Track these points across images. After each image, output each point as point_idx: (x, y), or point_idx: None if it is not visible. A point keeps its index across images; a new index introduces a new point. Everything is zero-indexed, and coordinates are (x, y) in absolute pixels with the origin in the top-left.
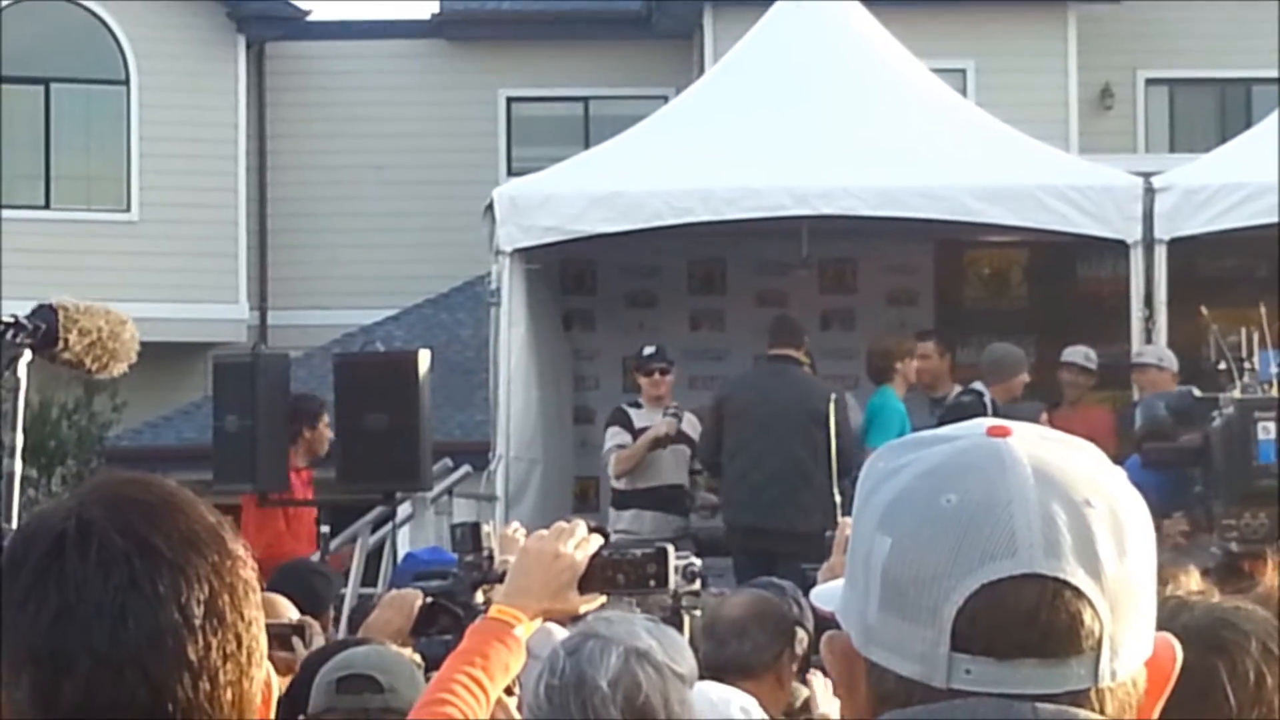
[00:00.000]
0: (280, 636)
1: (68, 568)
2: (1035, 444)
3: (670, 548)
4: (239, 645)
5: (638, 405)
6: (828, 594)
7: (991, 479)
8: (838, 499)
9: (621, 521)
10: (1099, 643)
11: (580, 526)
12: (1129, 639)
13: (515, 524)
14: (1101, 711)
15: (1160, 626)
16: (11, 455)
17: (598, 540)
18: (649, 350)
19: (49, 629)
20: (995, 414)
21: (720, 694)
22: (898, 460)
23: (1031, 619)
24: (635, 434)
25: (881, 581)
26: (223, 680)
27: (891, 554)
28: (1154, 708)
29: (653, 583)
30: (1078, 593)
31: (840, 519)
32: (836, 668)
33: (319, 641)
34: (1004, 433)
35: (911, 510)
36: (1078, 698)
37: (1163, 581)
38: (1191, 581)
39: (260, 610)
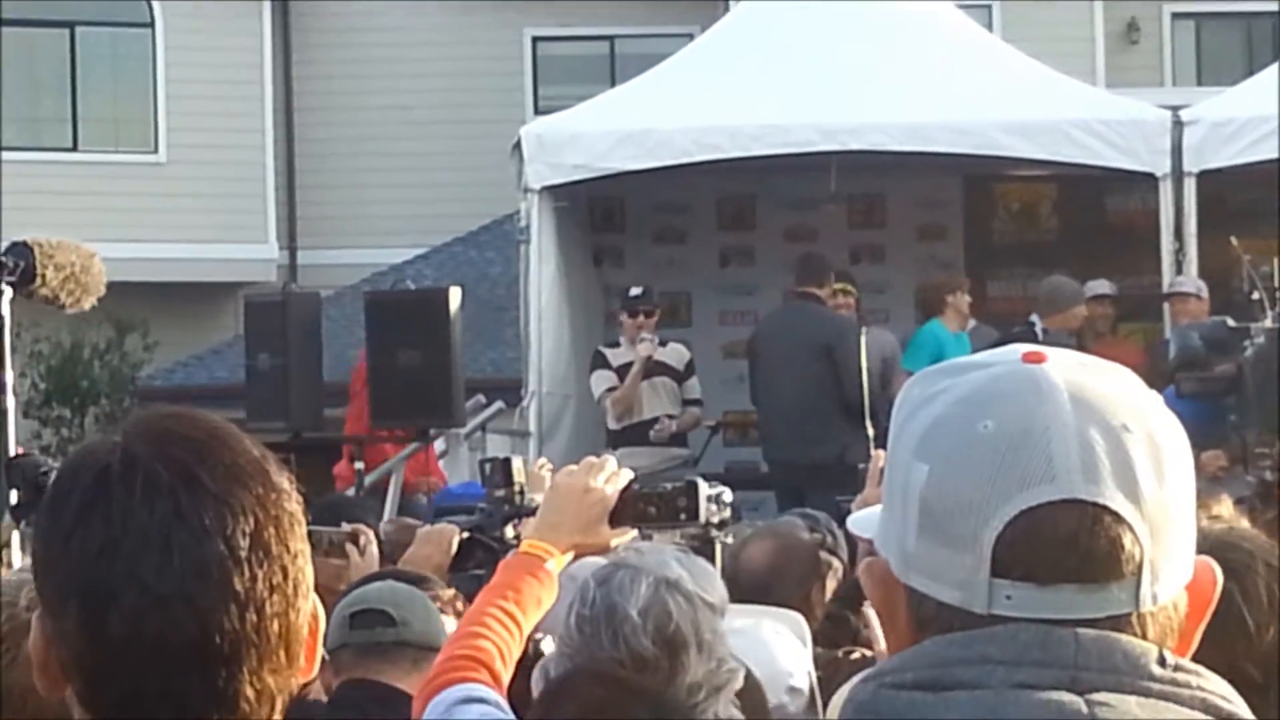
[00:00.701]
0: (335, 544)
1: (114, 501)
2: (1072, 369)
3: (701, 480)
4: (285, 577)
5: (614, 345)
6: (865, 520)
7: (1028, 405)
8: (870, 431)
9: (625, 461)
10: (1139, 567)
11: (610, 461)
12: (1169, 563)
13: (543, 460)
14: (1144, 636)
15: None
16: (2, 392)
17: (628, 475)
18: (636, 291)
19: (95, 561)
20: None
21: (747, 620)
22: (934, 387)
23: (1071, 544)
24: (617, 371)
25: (920, 508)
26: (269, 612)
27: (929, 481)
28: (1195, 631)
29: (683, 516)
30: (1117, 517)
31: (874, 451)
32: (876, 594)
33: (373, 550)
34: (1040, 359)
35: (948, 437)
36: (1119, 622)
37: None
38: (1224, 510)
39: (305, 543)
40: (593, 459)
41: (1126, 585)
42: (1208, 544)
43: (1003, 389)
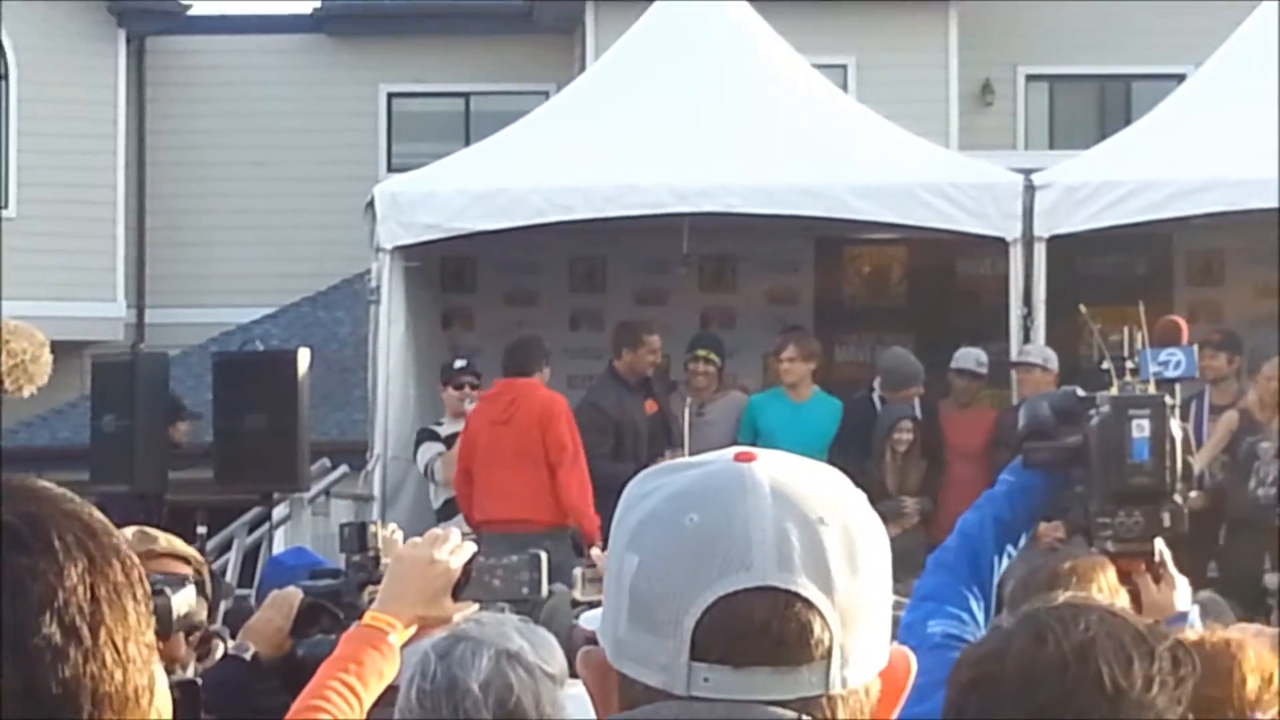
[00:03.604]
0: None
1: None
2: (778, 468)
3: (544, 554)
4: (116, 646)
5: (439, 423)
6: (595, 617)
7: (732, 499)
8: None
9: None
10: (829, 651)
11: (454, 533)
12: (860, 649)
13: (394, 525)
14: (833, 716)
15: (1019, 614)
16: None
17: (471, 548)
18: (460, 363)
19: None
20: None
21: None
22: (651, 485)
23: (764, 629)
24: (445, 441)
25: (630, 597)
26: (100, 679)
27: (639, 571)
28: (890, 713)
29: (526, 590)
30: (808, 604)
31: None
32: (592, 681)
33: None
34: (749, 458)
35: (657, 529)
36: (809, 704)
37: (1085, 580)
38: (1107, 578)
39: (142, 611)
40: (437, 531)
41: (817, 669)
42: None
43: (711, 485)
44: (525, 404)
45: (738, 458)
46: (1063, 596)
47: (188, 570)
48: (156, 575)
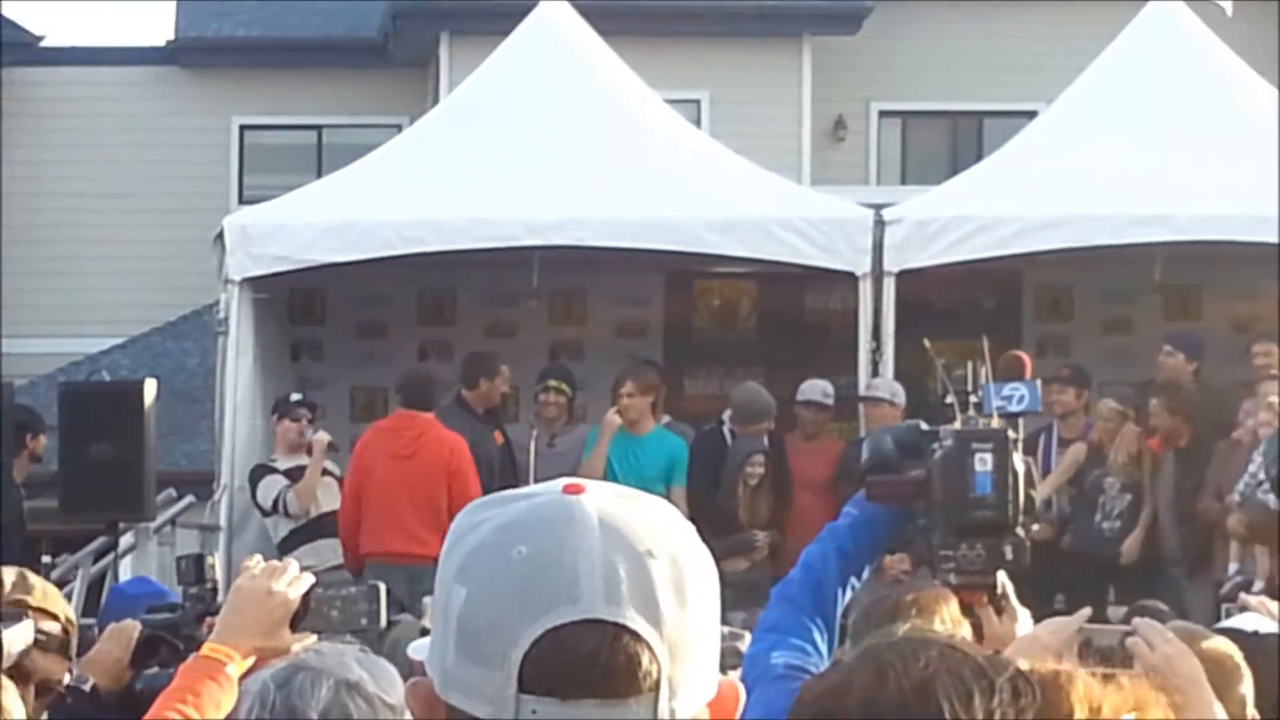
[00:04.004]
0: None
1: None
2: (607, 500)
3: (382, 586)
4: None
5: (273, 460)
6: (423, 647)
7: (560, 532)
8: None
9: (306, 558)
10: (657, 684)
11: (292, 565)
12: (688, 681)
13: (257, 556)
14: None
15: (859, 649)
16: None
17: (310, 579)
18: (297, 396)
19: None
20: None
21: None
22: (479, 516)
23: (592, 661)
24: (286, 475)
25: (458, 629)
26: None
27: (466, 603)
28: None
29: (364, 620)
30: (636, 636)
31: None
32: (419, 712)
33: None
34: (578, 490)
35: (485, 562)
36: None
37: (928, 613)
38: (950, 610)
39: None
40: (275, 563)
41: (645, 701)
42: (885, 643)
43: (539, 517)
44: (431, 444)
45: (566, 490)
46: (904, 629)
47: (54, 627)
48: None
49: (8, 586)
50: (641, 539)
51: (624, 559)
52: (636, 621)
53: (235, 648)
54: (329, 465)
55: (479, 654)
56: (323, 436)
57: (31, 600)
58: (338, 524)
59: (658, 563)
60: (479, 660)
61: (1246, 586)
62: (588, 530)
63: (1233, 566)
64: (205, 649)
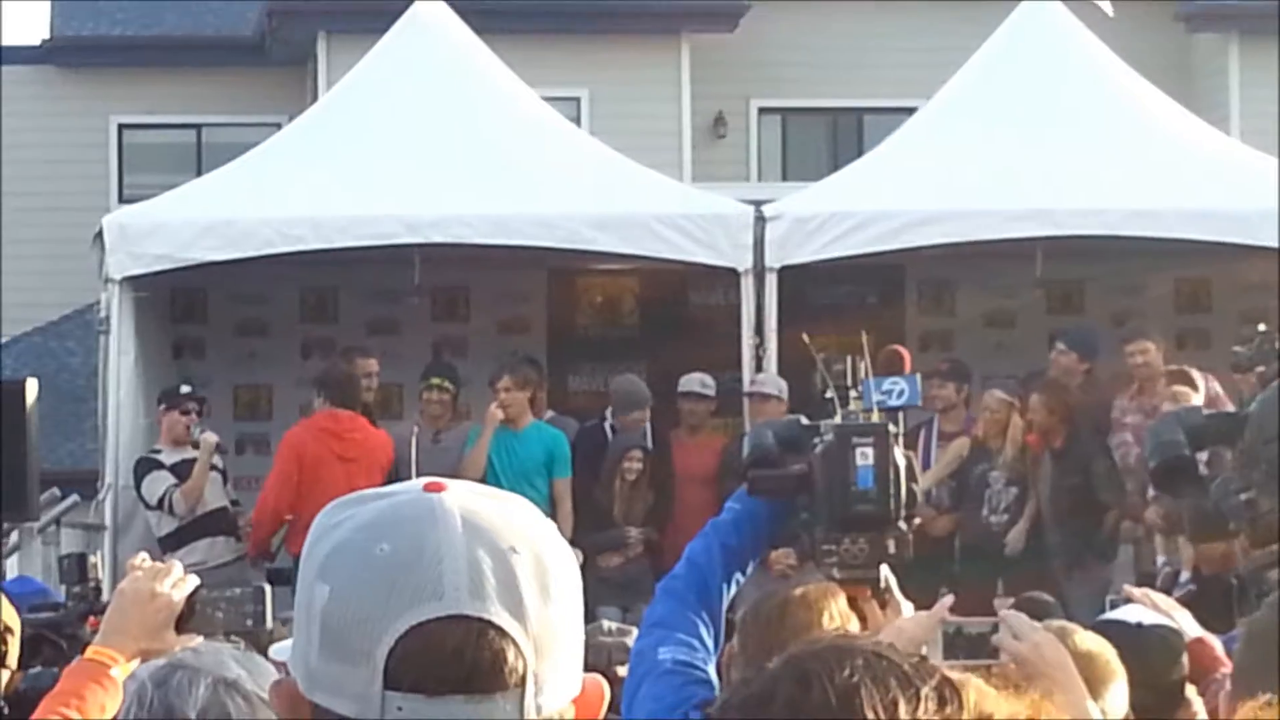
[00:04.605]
0: None
1: None
2: (468, 497)
3: (268, 587)
4: None
5: (157, 451)
6: (285, 648)
7: (423, 529)
8: None
9: (193, 555)
10: (523, 679)
11: (176, 566)
12: (555, 677)
13: (143, 554)
14: None
15: (781, 656)
16: None
17: (194, 580)
18: (187, 389)
19: None
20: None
21: None
22: (340, 515)
23: (457, 657)
24: (172, 470)
25: (321, 627)
26: None
27: (330, 601)
28: None
29: (250, 622)
30: (501, 632)
31: None
32: (284, 712)
33: None
34: (439, 488)
35: (348, 559)
36: None
37: (816, 608)
38: (838, 605)
39: None
40: (159, 564)
41: (511, 696)
42: (802, 650)
43: (401, 515)
44: (374, 447)
45: (427, 488)
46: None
47: None
48: None
49: None
50: (504, 535)
51: (487, 555)
52: (501, 617)
53: (120, 650)
54: (215, 461)
55: (344, 652)
56: (210, 437)
57: None
58: (227, 520)
59: (521, 559)
60: (344, 658)
61: (1175, 576)
62: (450, 527)
63: (1160, 559)
64: (90, 651)
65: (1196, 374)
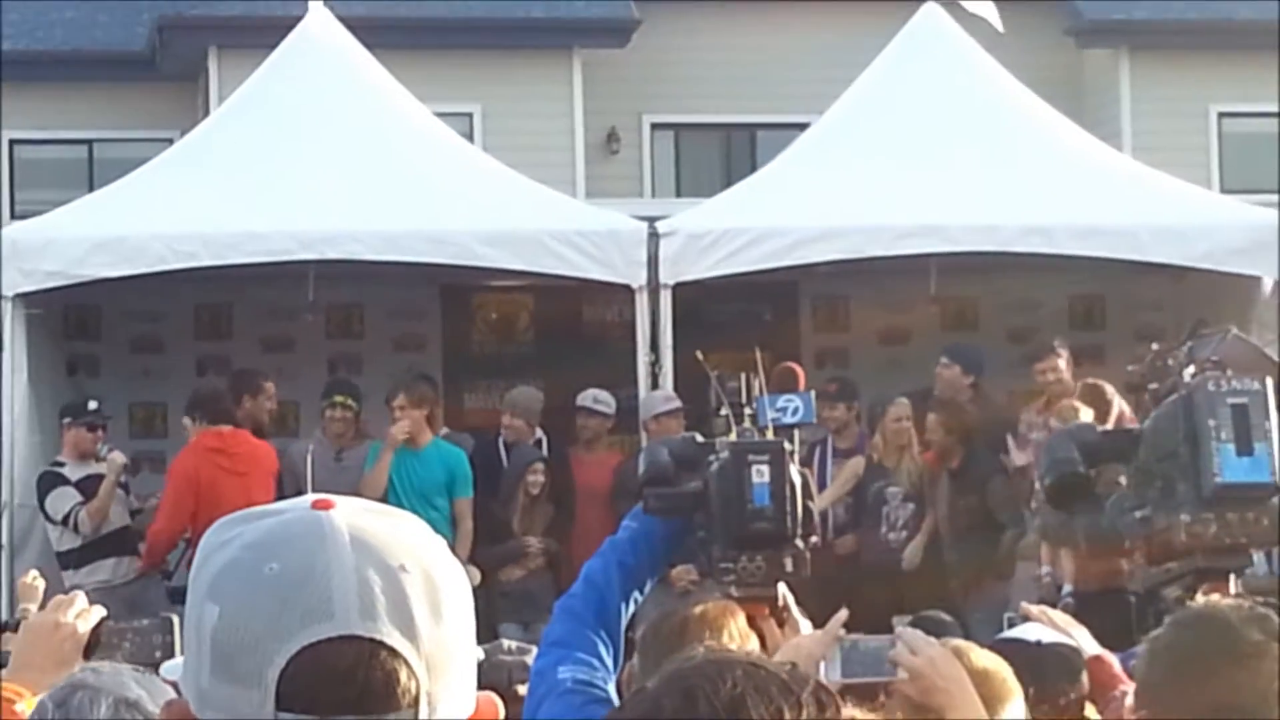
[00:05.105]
0: None
1: None
2: (356, 515)
3: (176, 618)
4: None
5: (59, 464)
6: (176, 668)
7: (311, 548)
8: None
9: (97, 574)
10: (416, 699)
11: (80, 597)
12: (448, 696)
13: (34, 572)
14: None
15: (661, 674)
16: None
17: (100, 611)
18: (94, 404)
19: None
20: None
21: None
22: (229, 533)
23: (349, 677)
24: (77, 486)
25: (211, 648)
26: None
27: (220, 621)
28: None
29: (158, 654)
30: (393, 652)
31: None
32: None
33: None
34: (327, 505)
35: (237, 579)
36: None
37: (716, 627)
38: (738, 624)
39: None
40: (61, 596)
41: (404, 715)
42: (689, 664)
43: (290, 533)
44: (260, 456)
45: (315, 505)
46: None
47: None
48: None
49: None
50: (394, 554)
51: (377, 574)
52: (393, 637)
53: (27, 684)
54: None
55: (234, 673)
56: (119, 456)
57: None
58: (129, 539)
59: (411, 577)
60: (234, 679)
61: (1058, 587)
62: (339, 545)
63: (1045, 568)
64: None
65: (1110, 389)
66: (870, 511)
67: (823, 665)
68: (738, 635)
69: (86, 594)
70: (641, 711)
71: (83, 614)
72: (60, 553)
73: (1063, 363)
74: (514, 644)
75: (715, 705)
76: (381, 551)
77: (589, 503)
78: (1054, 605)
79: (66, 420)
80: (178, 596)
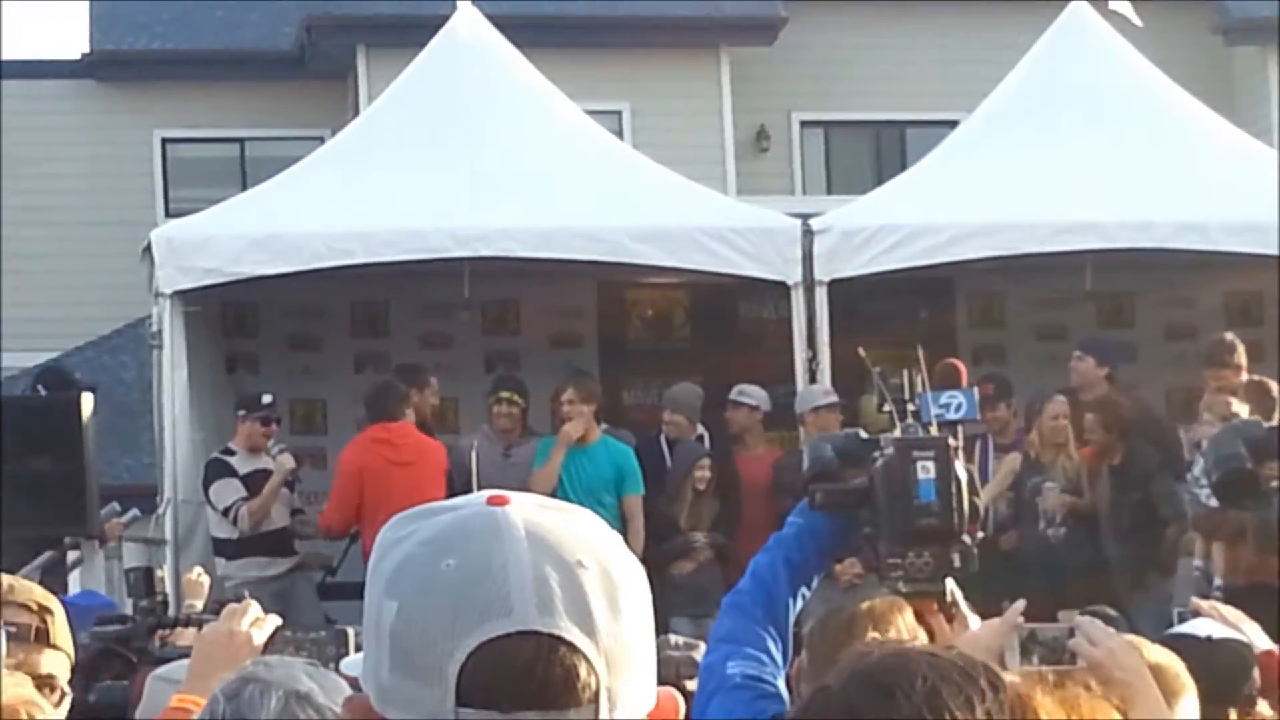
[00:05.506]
0: None
1: None
2: (532, 511)
3: (351, 630)
4: None
5: (229, 452)
6: (356, 663)
7: (488, 544)
8: None
9: (250, 569)
10: (597, 695)
11: (253, 606)
12: (627, 691)
13: (199, 569)
14: None
15: (842, 672)
16: None
17: (275, 620)
18: (268, 399)
19: None
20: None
21: None
22: (405, 530)
23: (529, 673)
24: (244, 480)
25: (391, 644)
26: None
27: (398, 618)
28: None
29: (332, 665)
30: (572, 648)
31: None
32: None
33: None
34: (503, 501)
35: (414, 575)
36: None
37: (884, 622)
38: (905, 619)
39: None
40: (234, 605)
41: (585, 712)
42: (878, 664)
43: (465, 530)
44: (427, 449)
45: (490, 501)
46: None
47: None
48: None
49: None
50: (571, 549)
51: (554, 570)
52: (572, 632)
53: (204, 696)
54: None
55: (414, 669)
56: (287, 460)
57: None
58: (285, 540)
59: (589, 573)
60: (414, 675)
61: (1209, 578)
62: (515, 541)
63: (1197, 561)
64: (174, 700)
65: (1275, 386)
66: (1028, 507)
67: (1005, 655)
68: (905, 630)
69: (236, 585)
70: (835, 712)
71: (257, 622)
72: (217, 539)
73: (1230, 373)
74: (681, 639)
75: (915, 700)
76: (558, 547)
77: (749, 498)
78: (1207, 599)
79: (241, 413)
80: (327, 593)
